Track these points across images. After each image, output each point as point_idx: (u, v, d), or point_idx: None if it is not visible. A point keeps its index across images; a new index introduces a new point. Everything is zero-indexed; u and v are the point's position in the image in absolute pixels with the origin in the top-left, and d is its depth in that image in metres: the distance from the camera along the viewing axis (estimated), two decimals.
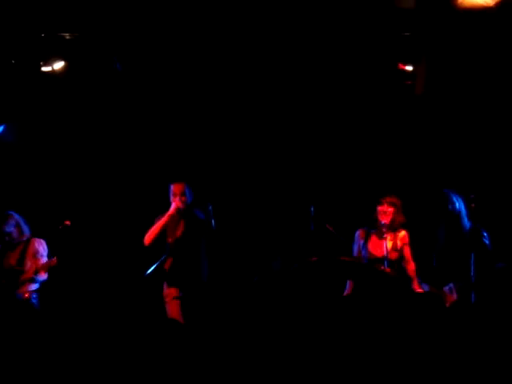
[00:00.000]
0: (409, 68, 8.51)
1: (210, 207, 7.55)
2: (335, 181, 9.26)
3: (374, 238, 7.59)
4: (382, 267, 7.31)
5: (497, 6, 7.42)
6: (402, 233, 7.58)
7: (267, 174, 9.38)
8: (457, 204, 7.51)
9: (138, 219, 8.25)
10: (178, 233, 7.61)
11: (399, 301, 7.10)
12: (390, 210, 7.50)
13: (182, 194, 7.53)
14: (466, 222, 7.49)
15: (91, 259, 9.06)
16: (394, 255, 7.49)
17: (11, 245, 7.87)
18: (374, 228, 7.58)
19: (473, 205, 7.36)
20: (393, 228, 7.52)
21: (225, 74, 9.09)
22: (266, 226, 9.01)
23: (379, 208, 7.52)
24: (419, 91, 8.64)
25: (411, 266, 7.51)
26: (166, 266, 7.62)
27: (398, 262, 7.50)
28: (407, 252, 7.54)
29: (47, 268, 7.76)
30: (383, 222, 7.49)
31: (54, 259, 7.68)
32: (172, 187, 7.60)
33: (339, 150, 9.35)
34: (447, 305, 7.24)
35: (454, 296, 7.29)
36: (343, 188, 9.24)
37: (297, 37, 8.34)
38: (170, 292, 7.56)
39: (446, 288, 7.38)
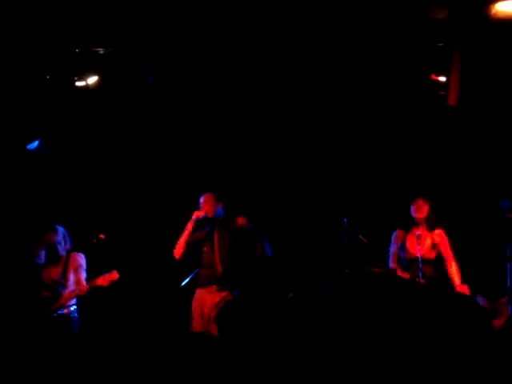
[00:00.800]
0: (442, 79, 8.46)
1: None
2: (369, 191, 9.23)
3: (411, 238, 7.55)
4: (418, 274, 7.25)
5: None
6: (441, 232, 7.52)
7: (300, 185, 9.37)
8: None
9: (173, 231, 8.23)
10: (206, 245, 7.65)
11: (434, 312, 7.04)
12: (425, 206, 7.50)
13: (207, 203, 7.58)
14: None
15: (127, 272, 9.06)
16: (431, 254, 7.44)
17: (55, 258, 7.77)
18: (410, 228, 7.53)
19: (509, 215, 7.31)
20: (429, 226, 7.48)
21: (255, 90, 9.13)
22: (299, 237, 8.97)
23: (414, 204, 7.51)
24: (453, 102, 8.58)
25: (451, 266, 7.41)
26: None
27: (436, 262, 7.43)
28: (446, 250, 7.46)
29: (109, 282, 7.65)
30: (418, 216, 7.46)
31: (115, 273, 7.51)
32: (200, 198, 7.70)
33: (374, 161, 9.34)
34: (502, 318, 7.13)
35: (510, 308, 7.17)
36: (377, 198, 9.20)
37: (332, 48, 8.35)
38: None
39: (504, 300, 7.24)
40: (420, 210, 7.49)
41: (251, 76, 8.93)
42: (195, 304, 7.56)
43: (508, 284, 7.14)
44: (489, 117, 8.87)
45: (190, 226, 7.53)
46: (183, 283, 7.85)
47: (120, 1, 7.76)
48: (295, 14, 7.83)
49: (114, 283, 7.47)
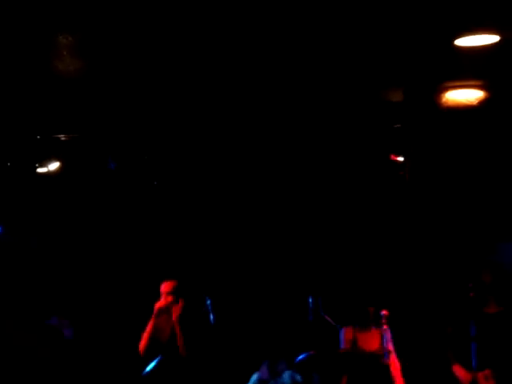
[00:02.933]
0: (400, 159, 8.63)
1: (209, 301, 7.48)
2: (334, 271, 9.27)
3: (362, 335, 7.46)
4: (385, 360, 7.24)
5: (479, 104, 7.64)
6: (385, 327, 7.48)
7: (265, 266, 9.39)
8: None
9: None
10: (168, 333, 7.41)
11: None
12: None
13: (169, 293, 7.33)
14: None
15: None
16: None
17: None
18: (363, 323, 7.52)
19: (471, 294, 7.34)
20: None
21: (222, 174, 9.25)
22: (264, 318, 8.97)
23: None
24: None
25: (397, 364, 7.40)
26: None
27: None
28: (391, 348, 7.42)
29: None
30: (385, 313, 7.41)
31: None
32: (161, 286, 7.45)
33: (339, 241, 9.40)
34: None
35: None
36: (342, 278, 9.23)
37: (291, 131, 8.49)
38: None
39: (482, 375, 7.17)
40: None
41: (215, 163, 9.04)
42: None
43: (473, 364, 7.10)
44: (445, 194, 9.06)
45: (153, 320, 7.32)
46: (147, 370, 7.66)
47: (79, 89, 7.82)
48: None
49: None
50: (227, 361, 8.70)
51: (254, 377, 8.96)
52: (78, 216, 9.57)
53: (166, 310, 7.33)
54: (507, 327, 7.22)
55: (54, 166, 8.92)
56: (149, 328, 7.34)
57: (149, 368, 7.60)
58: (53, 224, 9.51)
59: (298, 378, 8.87)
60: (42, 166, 8.89)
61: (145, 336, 7.35)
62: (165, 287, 7.38)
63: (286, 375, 8.95)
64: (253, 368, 8.99)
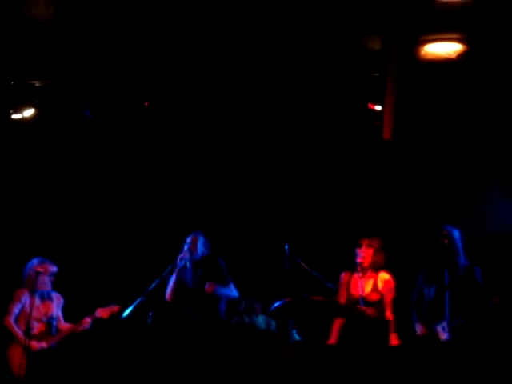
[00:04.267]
0: (378, 108, 8.59)
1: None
2: (311, 218, 9.31)
3: (354, 280, 7.53)
4: (359, 307, 7.29)
5: (458, 57, 7.63)
6: (386, 276, 7.47)
7: (242, 212, 9.43)
8: (456, 239, 7.51)
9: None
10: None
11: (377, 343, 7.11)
12: (369, 251, 7.48)
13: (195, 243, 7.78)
14: (462, 259, 7.48)
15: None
16: (374, 296, 7.41)
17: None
18: (355, 269, 7.55)
19: (446, 241, 7.38)
20: (374, 268, 7.50)
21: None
22: (240, 263, 8.96)
23: (358, 250, 7.51)
24: (387, 136, 8.73)
25: (388, 314, 7.43)
26: None
27: (378, 304, 7.45)
28: (388, 299, 7.44)
29: (109, 314, 7.62)
30: (361, 263, 7.46)
31: (115, 306, 7.63)
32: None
33: (316, 188, 9.43)
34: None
35: (446, 335, 7.21)
36: (319, 225, 9.29)
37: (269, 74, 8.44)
38: None
39: (439, 327, 7.30)
40: (363, 257, 7.50)
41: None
42: None
43: (446, 311, 7.18)
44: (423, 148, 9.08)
45: (177, 270, 7.72)
46: (126, 313, 7.67)
47: (53, 33, 7.72)
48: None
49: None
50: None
51: None
52: (54, 161, 9.48)
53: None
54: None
55: (28, 112, 8.80)
56: (175, 277, 7.72)
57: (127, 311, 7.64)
58: (29, 169, 9.42)
59: (273, 323, 8.89)
60: (16, 112, 8.76)
61: (171, 285, 7.75)
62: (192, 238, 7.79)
63: (261, 319, 8.97)
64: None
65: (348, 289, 7.51)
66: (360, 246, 7.50)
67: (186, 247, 7.80)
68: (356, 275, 7.54)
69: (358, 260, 7.47)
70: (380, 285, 7.46)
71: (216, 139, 9.46)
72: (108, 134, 9.42)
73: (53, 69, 8.44)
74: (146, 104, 8.96)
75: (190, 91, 8.76)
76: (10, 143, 9.14)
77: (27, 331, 7.45)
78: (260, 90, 8.66)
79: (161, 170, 9.67)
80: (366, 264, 7.46)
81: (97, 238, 9.55)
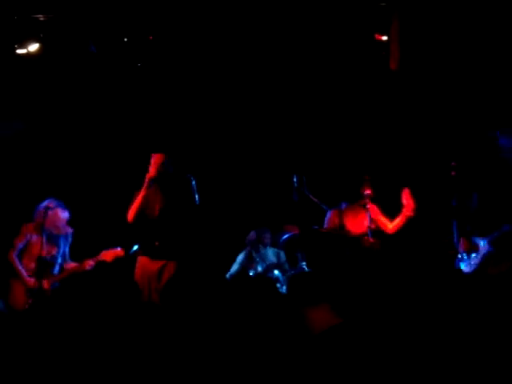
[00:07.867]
0: (385, 38, 8.53)
1: (194, 182, 7.48)
2: (320, 150, 9.30)
3: (349, 216, 7.50)
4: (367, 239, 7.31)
5: None
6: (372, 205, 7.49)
7: (251, 144, 9.43)
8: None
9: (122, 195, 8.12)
10: (158, 206, 7.46)
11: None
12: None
13: (158, 164, 7.36)
14: None
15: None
16: (373, 226, 7.46)
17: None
18: (352, 202, 7.54)
19: (453, 172, 7.41)
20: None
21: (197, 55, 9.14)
22: (249, 196, 9.00)
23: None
24: (393, 66, 8.68)
25: (389, 223, 7.43)
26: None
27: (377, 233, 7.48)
28: (383, 219, 7.46)
29: (113, 258, 7.52)
30: (369, 193, 7.42)
31: (120, 250, 7.50)
32: (151, 158, 7.48)
33: (323, 119, 9.40)
34: None
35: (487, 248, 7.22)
36: (327, 158, 9.29)
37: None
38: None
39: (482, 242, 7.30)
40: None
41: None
42: (138, 271, 7.47)
43: (455, 240, 7.23)
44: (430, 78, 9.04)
45: (144, 189, 7.35)
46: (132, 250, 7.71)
47: None
48: None
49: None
50: (212, 243, 8.81)
51: (240, 257, 9.01)
52: (60, 99, 9.45)
53: (155, 180, 7.36)
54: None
55: (33, 47, 8.75)
56: (139, 198, 7.36)
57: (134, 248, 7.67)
58: (36, 106, 9.39)
59: (282, 255, 8.94)
60: (21, 47, 8.72)
61: (134, 205, 7.37)
62: (155, 159, 7.39)
63: (270, 252, 9.01)
64: (238, 250, 9.07)
65: (343, 228, 7.49)
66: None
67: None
68: (349, 211, 7.51)
69: (366, 192, 7.44)
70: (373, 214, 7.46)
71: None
72: (113, 70, 9.36)
73: (57, 2, 8.37)
74: (151, 38, 8.89)
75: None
76: (16, 79, 9.09)
77: (38, 269, 7.52)
78: (266, 22, 8.60)
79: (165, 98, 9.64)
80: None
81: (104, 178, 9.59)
